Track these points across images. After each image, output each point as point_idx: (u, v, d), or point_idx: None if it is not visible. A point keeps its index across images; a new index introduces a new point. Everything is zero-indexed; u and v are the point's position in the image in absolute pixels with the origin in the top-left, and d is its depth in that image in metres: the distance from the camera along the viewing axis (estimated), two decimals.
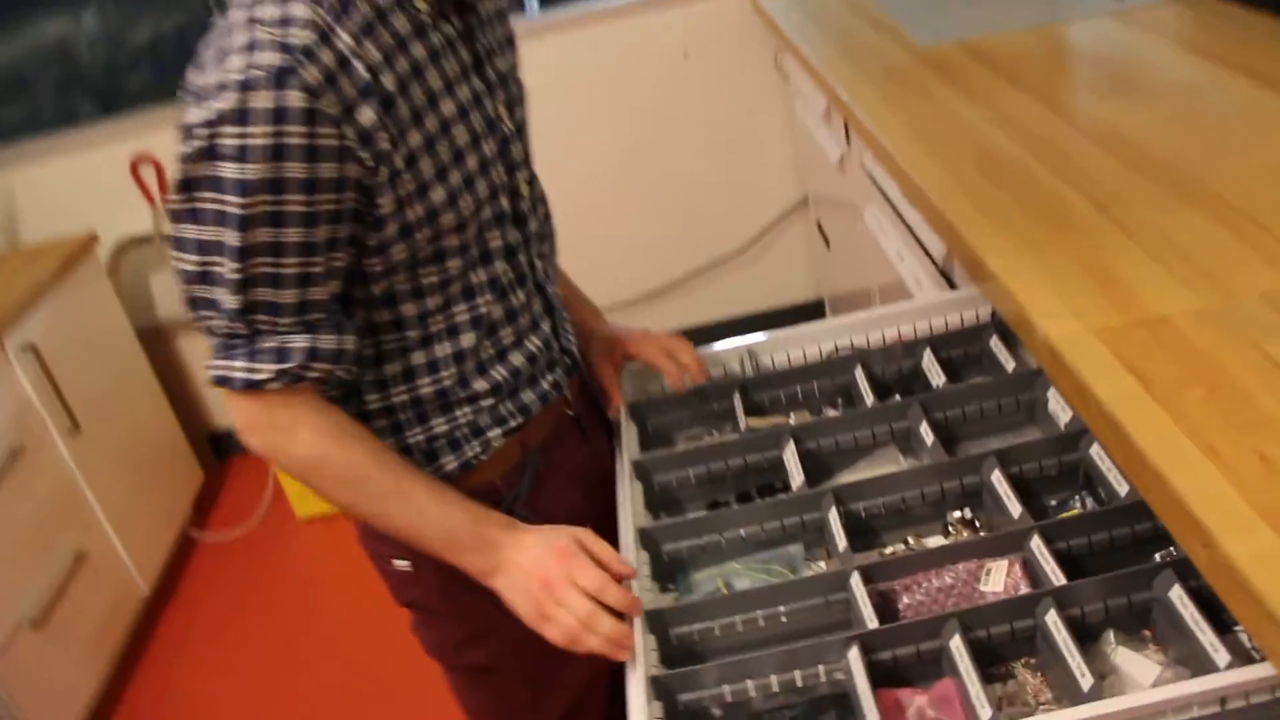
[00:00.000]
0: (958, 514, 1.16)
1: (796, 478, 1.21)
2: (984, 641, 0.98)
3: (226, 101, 0.88)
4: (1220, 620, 0.91)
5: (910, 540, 1.16)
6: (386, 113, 0.95)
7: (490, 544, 1.08)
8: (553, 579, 1.04)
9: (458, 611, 1.21)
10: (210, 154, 0.90)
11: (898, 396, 1.37)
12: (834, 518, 1.13)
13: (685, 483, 1.29)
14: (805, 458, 1.26)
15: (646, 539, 1.17)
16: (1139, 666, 0.95)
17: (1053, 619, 0.95)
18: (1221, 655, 0.87)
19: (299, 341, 0.99)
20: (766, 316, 3.24)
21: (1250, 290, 1.04)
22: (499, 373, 1.15)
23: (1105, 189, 1.30)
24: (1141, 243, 1.16)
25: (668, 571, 1.20)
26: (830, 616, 1.07)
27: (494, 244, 1.11)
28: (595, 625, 1.02)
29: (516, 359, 1.16)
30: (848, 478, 1.28)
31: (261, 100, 0.88)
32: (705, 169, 3.07)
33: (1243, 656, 0.89)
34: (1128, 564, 1.05)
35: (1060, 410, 1.20)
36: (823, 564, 1.18)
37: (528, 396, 1.19)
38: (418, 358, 1.10)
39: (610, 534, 1.17)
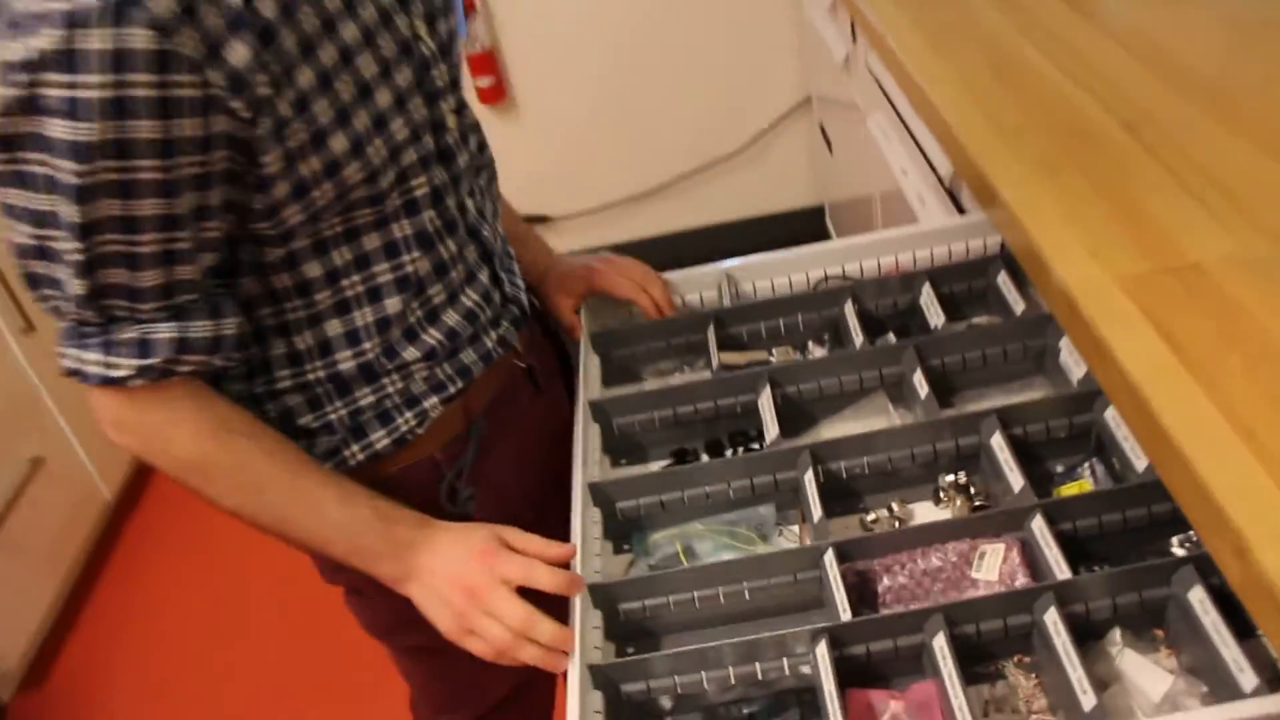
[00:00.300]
0: (951, 478, 1.03)
1: (771, 429, 1.07)
2: (972, 638, 0.86)
3: (48, 39, 0.69)
4: (1244, 622, 0.78)
5: (895, 506, 1.02)
6: (266, 47, 0.77)
7: (401, 547, 0.94)
8: (476, 583, 0.91)
9: (389, 592, 1.09)
10: (31, 106, 0.71)
11: (891, 335, 1.22)
12: (810, 480, 1.00)
13: (649, 426, 1.15)
14: (784, 404, 1.12)
15: (599, 495, 1.04)
16: (1148, 675, 0.83)
17: (1053, 618, 0.82)
18: (1247, 677, 0.74)
19: (164, 331, 0.83)
20: (764, 221, 3.07)
21: None
22: (432, 336, 1.00)
23: (1135, 106, 1.13)
24: (1175, 173, 1.00)
25: (623, 530, 1.07)
26: (800, 594, 0.95)
27: (419, 192, 0.94)
28: (530, 631, 0.90)
29: (452, 318, 1.01)
30: (830, 428, 1.14)
31: (95, 40, 0.69)
32: (704, 64, 2.87)
33: (1268, 670, 0.77)
34: (1141, 547, 0.92)
35: (1074, 363, 1.06)
36: (796, 528, 1.05)
37: (468, 357, 1.04)
38: (333, 328, 0.95)
39: (568, 493, 1.04)
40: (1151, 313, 0.84)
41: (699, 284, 1.31)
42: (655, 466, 1.16)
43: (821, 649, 0.84)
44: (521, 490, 1.13)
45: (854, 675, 0.86)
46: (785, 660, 0.87)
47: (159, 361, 0.83)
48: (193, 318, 0.85)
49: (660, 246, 3.06)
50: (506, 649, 0.90)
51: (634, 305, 1.26)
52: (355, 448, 1.00)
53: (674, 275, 1.31)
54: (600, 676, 0.87)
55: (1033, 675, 0.86)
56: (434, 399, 1.02)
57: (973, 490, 1.02)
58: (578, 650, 0.88)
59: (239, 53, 0.76)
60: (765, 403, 1.10)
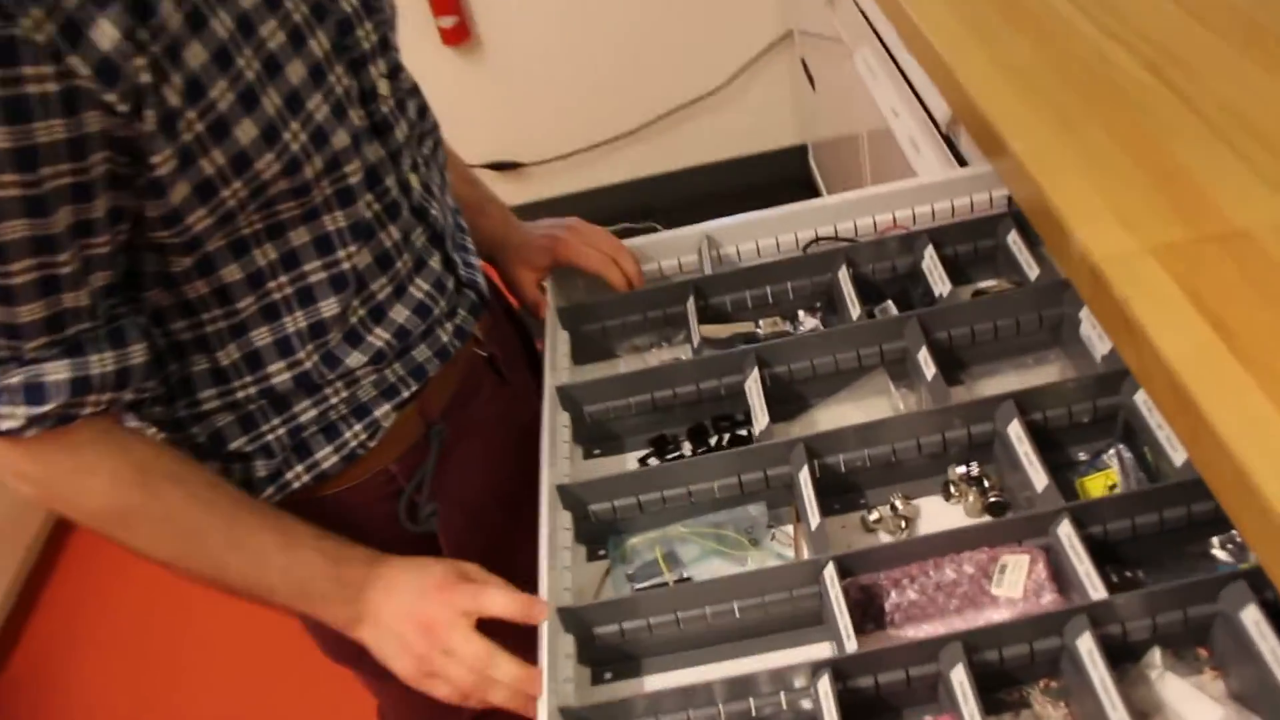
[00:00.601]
0: (962, 469, 0.92)
1: (761, 418, 0.96)
2: (994, 665, 0.76)
3: None
4: None
5: (899, 502, 0.91)
6: (141, 24, 0.64)
7: (352, 588, 0.83)
8: (433, 619, 0.81)
9: None
10: None
11: (889, 303, 1.11)
12: (805, 479, 0.89)
13: (625, 413, 1.04)
14: (774, 385, 1.00)
15: (569, 498, 0.93)
16: (1194, 705, 0.73)
17: (1087, 645, 0.72)
18: None
19: (57, 371, 0.70)
20: (745, 162, 2.93)
21: None
22: (379, 337, 0.88)
23: (1159, 45, 1.00)
24: (1210, 122, 0.88)
25: (597, 533, 0.96)
26: (796, 610, 0.84)
27: (352, 177, 0.81)
28: (490, 670, 0.79)
29: (401, 314, 0.89)
30: (825, 412, 1.03)
31: None
32: None
33: None
34: (1179, 549, 0.82)
35: (1096, 337, 0.94)
36: (790, 528, 0.94)
37: (422, 355, 0.92)
38: (261, 337, 0.82)
39: (529, 480, 0.94)
40: (1193, 289, 0.73)
41: (676, 248, 1.19)
42: (632, 457, 1.05)
43: (824, 684, 0.74)
44: (490, 497, 1.02)
45: (861, 709, 0.76)
46: (783, 695, 0.76)
47: (54, 408, 0.71)
48: (90, 351, 0.72)
49: (637, 191, 2.93)
50: (471, 691, 0.81)
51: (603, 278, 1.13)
52: (299, 468, 0.88)
53: (649, 240, 1.19)
54: (573, 718, 0.77)
55: (1060, 703, 0.76)
56: (385, 406, 0.90)
57: (986, 483, 0.91)
58: (545, 688, 0.77)
59: (107, 33, 0.62)
60: (753, 386, 0.99)
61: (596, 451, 1.06)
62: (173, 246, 0.74)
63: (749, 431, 1.03)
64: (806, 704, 0.76)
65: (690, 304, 1.10)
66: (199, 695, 2.09)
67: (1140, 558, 0.82)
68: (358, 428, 0.89)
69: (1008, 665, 0.76)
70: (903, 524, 0.90)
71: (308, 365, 0.84)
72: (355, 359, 0.86)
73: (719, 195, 2.85)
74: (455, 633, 0.80)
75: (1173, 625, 0.75)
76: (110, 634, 2.26)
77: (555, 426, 1.00)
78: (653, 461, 1.03)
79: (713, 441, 1.04)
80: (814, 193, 2.73)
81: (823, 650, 0.83)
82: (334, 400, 0.87)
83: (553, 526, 0.90)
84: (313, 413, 0.87)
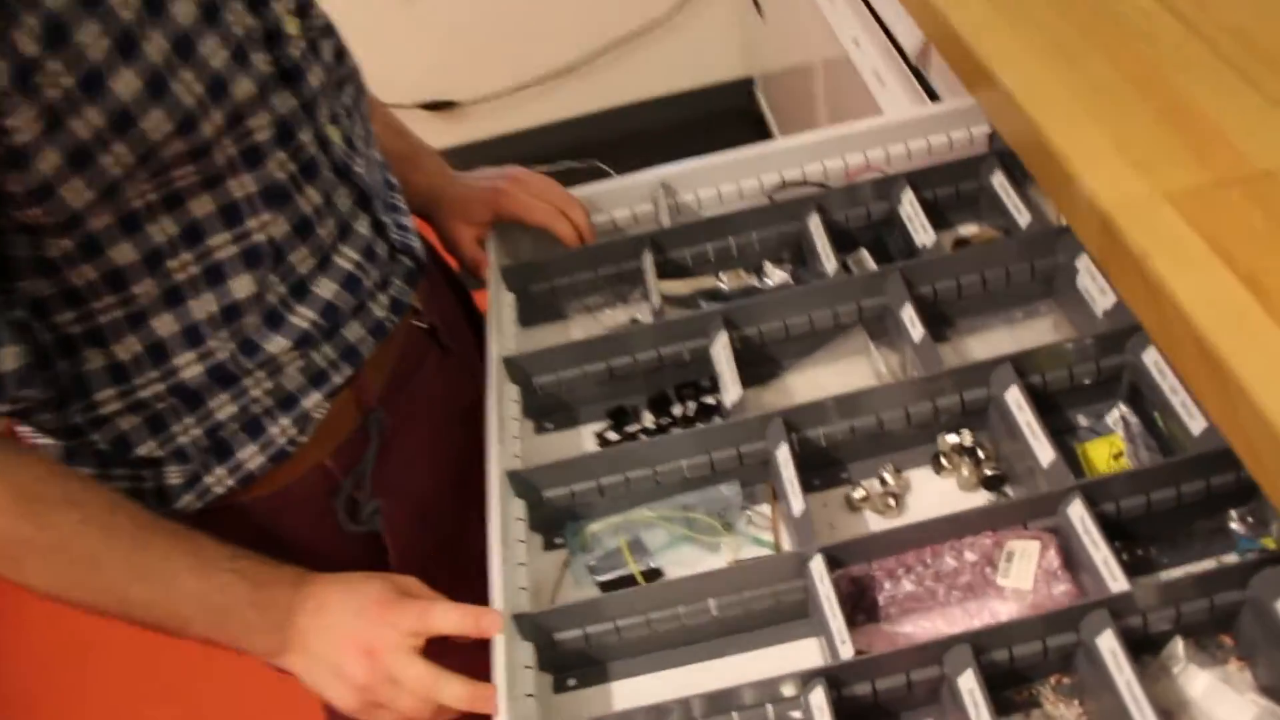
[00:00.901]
0: (954, 438, 0.84)
1: (732, 390, 0.86)
2: (1003, 665, 0.68)
3: None
4: None
5: (888, 476, 0.83)
6: None
7: (278, 613, 0.73)
8: (376, 643, 0.71)
9: None
10: None
11: (864, 252, 1.01)
12: (785, 458, 0.80)
13: (579, 383, 0.94)
14: (744, 348, 0.91)
15: (520, 484, 0.84)
16: (1224, 703, 0.66)
17: (1109, 644, 0.64)
18: None
19: None
20: (691, 96, 2.81)
21: None
22: (303, 317, 0.77)
23: None
24: (1222, 54, 0.78)
25: (553, 520, 0.87)
26: (780, 604, 0.76)
27: (260, 135, 0.69)
28: (438, 697, 0.70)
29: (327, 289, 0.78)
30: (800, 376, 0.94)
31: None
32: None
33: None
34: (1192, 523, 0.74)
35: (1096, 290, 0.86)
36: (766, 508, 0.85)
37: (354, 334, 0.81)
38: (164, 326, 0.71)
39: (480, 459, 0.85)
40: (1217, 240, 0.64)
41: (629, 197, 1.09)
42: (589, 430, 0.95)
43: (817, 696, 0.66)
44: (439, 486, 0.92)
45: (856, 716, 0.68)
46: (770, 708, 0.68)
47: None
48: None
49: (579, 128, 2.80)
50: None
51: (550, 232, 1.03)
52: (220, 471, 0.78)
53: (599, 188, 1.09)
54: None
55: (1074, 701, 0.69)
56: (316, 395, 0.79)
57: (981, 453, 0.83)
58: (503, 709, 0.69)
59: None
60: (721, 352, 0.89)
61: (548, 425, 0.96)
62: (47, 227, 0.63)
63: (717, 400, 0.94)
64: (796, 714, 0.68)
65: (647, 259, 1.00)
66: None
67: (1152, 534, 0.75)
68: (285, 421, 0.78)
69: (1018, 664, 0.68)
70: (891, 501, 0.82)
71: (222, 355, 0.73)
72: (277, 344, 0.75)
73: (664, 131, 2.73)
74: (399, 657, 0.71)
75: (1197, 614, 0.67)
76: (55, 623, 2.15)
77: (502, 401, 0.90)
78: (612, 436, 0.94)
79: (677, 412, 0.95)
80: (763, 128, 2.63)
81: (811, 649, 0.75)
82: (255, 392, 0.76)
83: (504, 517, 0.81)
84: (232, 408, 0.76)
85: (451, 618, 0.71)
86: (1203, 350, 0.60)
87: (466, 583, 0.80)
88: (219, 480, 0.78)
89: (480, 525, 0.80)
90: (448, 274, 1.03)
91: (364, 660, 0.71)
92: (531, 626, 0.74)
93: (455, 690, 0.70)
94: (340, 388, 0.81)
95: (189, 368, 0.73)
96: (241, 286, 0.71)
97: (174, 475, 0.76)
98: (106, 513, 0.70)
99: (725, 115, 2.73)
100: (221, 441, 0.77)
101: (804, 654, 0.75)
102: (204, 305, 0.71)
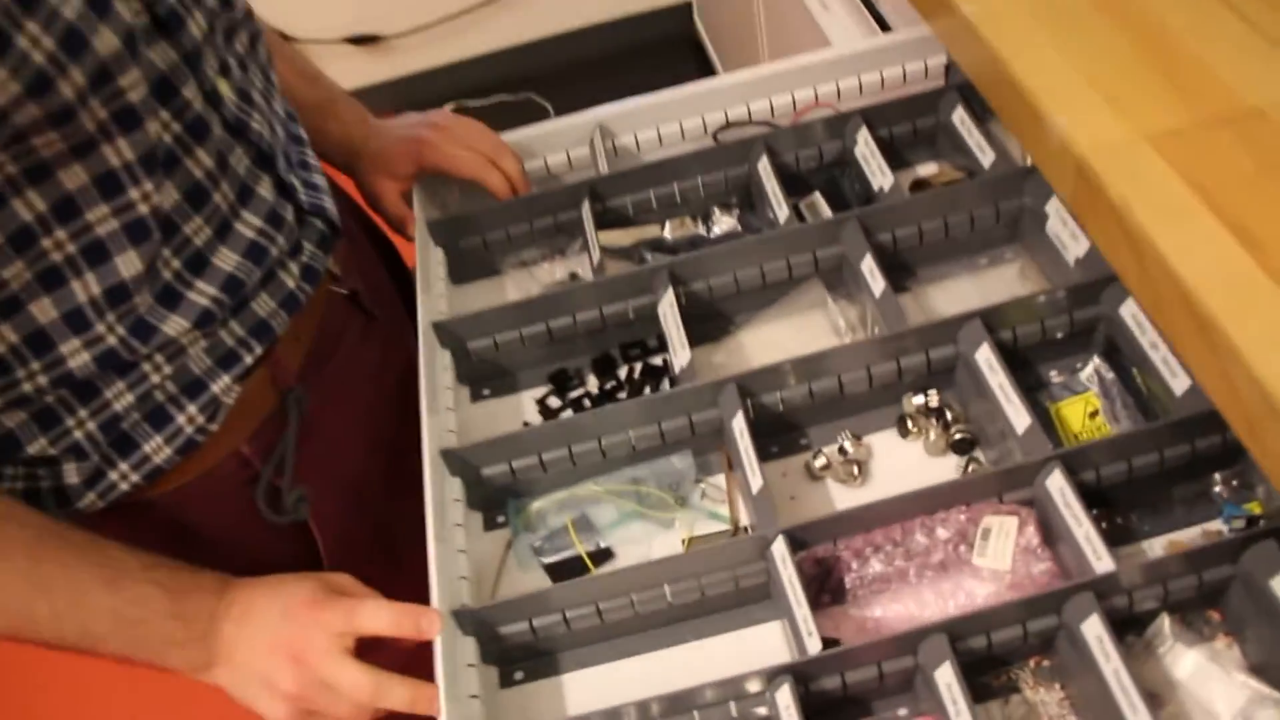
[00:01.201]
0: (919, 399, 0.78)
1: (681, 352, 0.80)
2: (980, 652, 0.63)
3: None
4: None
5: (848, 444, 0.78)
6: None
7: (199, 624, 0.66)
8: (305, 646, 0.65)
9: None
10: None
11: (817, 195, 0.95)
12: (740, 426, 0.74)
13: (516, 347, 0.87)
14: (691, 304, 0.85)
15: (456, 463, 0.77)
16: (1214, 684, 0.62)
17: (1095, 630, 0.59)
18: None
19: None
20: (626, 24, 2.71)
21: None
22: (203, 293, 0.68)
23: None
24: None
25: (494, 498, 0.81)
26: (741, 587, 0.70)
27: (134, 94, 0.60)
28: (380, 701, 0.65)
29: (227, 260, 0.69)
30: (752, 333, 0.88)
31: None
32: None
33: None
34: (1177, 489, 0.70)
35: (1068, 235, 0.80)
36: (720, 479, 0.80)
37: (264, 307, 0.73)
38: (43, 312, 0.63)
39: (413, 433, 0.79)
40: (1203, 186, 0.58)
41: (564, 140, 1.01)
42: (528, 396, 0.89)
43: (784, 694, 0.61)
44: (370, 467, 0.86)
45: (824, 708, 0.63)
46: (733, 705, 0.63)
47: None
48: None
49: (510, 60, 2.68)
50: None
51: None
52: (123, 467, 0.70)
53: (531, 131, 1.01)
54: None
55: (1055, 685, 0.65)
56: (225, 378, 0.72)
57: (949, 415, 0.77)
58: (445, 711, 0.63)
59: None
60: (669, 311, 0.83)
61: (485, 392, 0.90)
62: None
63: (665, 359, 0.87)
64: (762, 710, 0.63)
65: (586, 209, 0.93)
66: None
67: (1132, 500, 0.70)
68: (192, 409, 0.71)
69: (996, 650, 0.63)
70: (855, 469, 0.77)
71: (111, 340, 0.65)
72: (175, 325, 0.67)
73: (600, 60, 2.63)
74: (330, 660, 0.64)
75: (1185, 591, 0.63)
76: None
77: (434, 370, 0.83)
78: (554, 402, 0.88)
79: (622, 374, 0.89)
80: (703, 56, 2.54)
81: (774, 633, 0.70)
82: (155, 379, 0.69)
83: (440, 500, 0.74)
84: (129, 398, 0.68)
85: (385, 617, 0.65)
86: (1190, 308, 0.54)
87: (404, 573, 0.74)
88: (123, 476, 0.70)
89: (416, 508, 0.74)
90: (372, 232, 0.95)
91: (292, 667, 0.64)
92: (474, 621, 0.68)
93: (397, 693, 0.64)
94: (252, 368, 0.73)
95: (75, 356, 0.64)
96: (128, 264, 0.63)
97: (72, 473, 0.69)
98: None
99: (664, 43, 2.64)
100: (122, 434, 0.69)
101: (767, 639, 0.70)
102: (86, 287, 0.63)
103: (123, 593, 0.64)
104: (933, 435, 0.77)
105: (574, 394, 0.88)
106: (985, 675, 0.65)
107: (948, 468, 0.76)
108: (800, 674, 0.62)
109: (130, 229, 0.62)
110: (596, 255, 0.89)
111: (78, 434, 0.68)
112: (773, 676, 0.62)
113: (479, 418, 0.88)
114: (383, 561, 0.82)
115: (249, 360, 0.73)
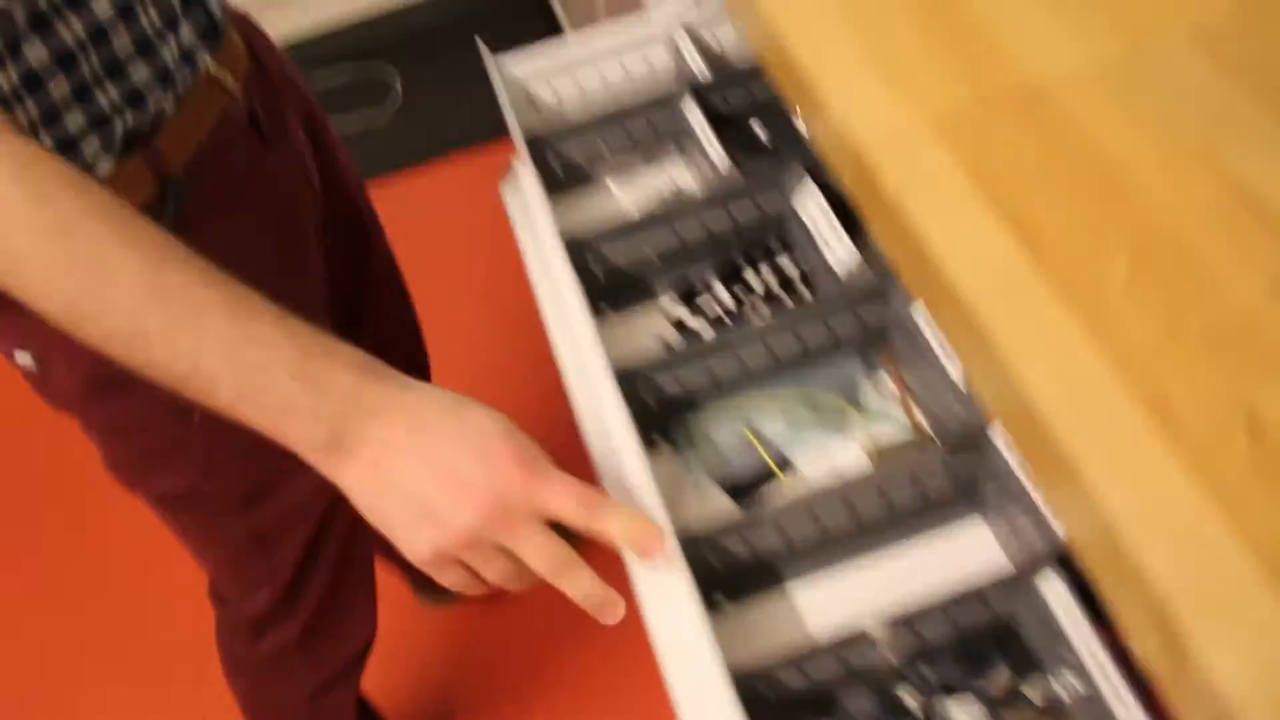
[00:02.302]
0: None
1: (837, 246, 0.76)
2: None
3: None
4: None
5: None
6: None
7: (333, 400, 0.53)
8: (510, 506, 0.54)
9: (112, 423, 0.82)
10: None
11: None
12: (923, 314, 0.71)
13: (643, 261, 0.83)
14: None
15: (632, 381, 0.72)
16: None
17: None
18: None
19: None
20: None
21: (1176, 28, 0.51)
22: (69, 30, 0.67)
23: None
24: None
25: (655, 418, 0.76)
26: (939, 489, 0.68)
27: None
28: (563, 580, 0.56)
29: (100, 5, 0.68)
30: None
31: None
32: None
33: None
34: None
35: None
36: (884, 375, 0.76)
37: (140, 76, 0.71)
38: None
39: (299, 288, 0.85)
40: (987, 179, 0.48)
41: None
42: (654, 313, 0.84)
43: (1053, 585, 0.58)
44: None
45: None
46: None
47: None
48: None
49: (358, 33, 2.46)
50: (510, 587, 0.57)
51: None
52: None
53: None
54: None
55: None
56: (95, 143, 0.69)
57: None
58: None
59: None
60: (813, 206, 0.78)
61: (603, 306, 0.85)
62: None
63: (793, 259, 0.84)
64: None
65: (696, 110, 0.87)
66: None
67: None
68: None
69: None
70: None
71: None
72: (37, 55, 0.65)
73: (446, 28, 2.44)
74: (533, 528, 0.54)
75: None
76: None
77: (570, 286, 0.76)
78: (688, 319, 0.83)
79: (755, 284, 0.85)
80: (551, 16, 2.38)
81: (982, 536, 0.67)
82: (23, 121, 0.65)
83: (615, 424, 0.68)
84: None
85: (625, 522, 0.56)
86: (961, 314, 0.45)
87: None
88: None
89: None
90: (278, 66, 0.90)
91: (474, 513, 0.53)
92: (693, 547, 0.63)
93: (585, 582, 0.55)
94: (130, 144, 0.71)
95: None
96: None
97: None
98: (118, 208, 0.55)
99: (512, 6, 2.46)
100: None
101: (975, 542, 0.68)
102: None
103: (245, 326, 0.54)
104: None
105: (708, 310, 0.84)
106: None
107: None
108: (1065, 560, 0.59)
109: None
110: (717, 152, 0.84)
111: None
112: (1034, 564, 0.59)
113: (620, 337, 0.83)
114: None
115: (120, 129, 0.70)
